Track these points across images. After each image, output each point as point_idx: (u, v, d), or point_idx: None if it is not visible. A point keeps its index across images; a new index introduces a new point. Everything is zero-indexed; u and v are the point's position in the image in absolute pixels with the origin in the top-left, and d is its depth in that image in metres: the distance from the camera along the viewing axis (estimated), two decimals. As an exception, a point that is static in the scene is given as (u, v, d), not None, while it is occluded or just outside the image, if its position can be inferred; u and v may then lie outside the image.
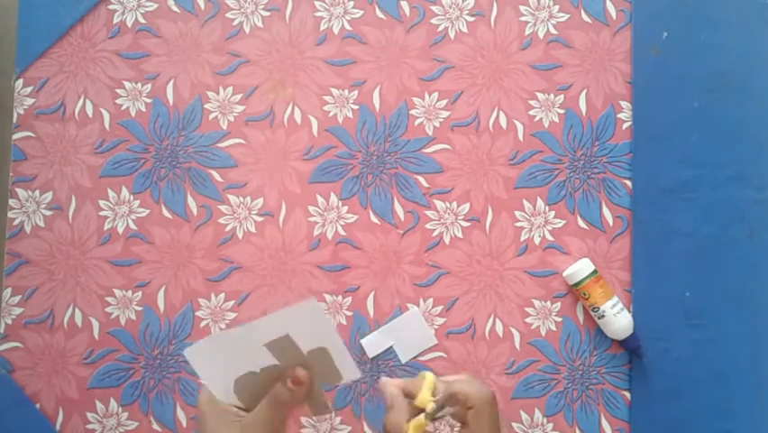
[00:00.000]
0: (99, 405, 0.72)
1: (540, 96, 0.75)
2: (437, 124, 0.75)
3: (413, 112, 0.75)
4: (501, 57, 0.76)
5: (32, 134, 0.75)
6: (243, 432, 0.45)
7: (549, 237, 0.74)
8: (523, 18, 0.76)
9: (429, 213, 0.74)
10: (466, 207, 0.74)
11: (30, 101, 0.75)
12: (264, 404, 0.46)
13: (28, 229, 0.74)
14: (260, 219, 0.74)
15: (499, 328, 0.73)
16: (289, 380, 0.46)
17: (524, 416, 0.72)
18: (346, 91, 0.75)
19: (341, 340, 0.48)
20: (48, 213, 0.74)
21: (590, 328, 0.73)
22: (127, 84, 0.76)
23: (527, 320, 0.73)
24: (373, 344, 0.72)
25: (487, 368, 0.73)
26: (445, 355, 0.73)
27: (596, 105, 0.75)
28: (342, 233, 0.74)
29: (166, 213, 0.74)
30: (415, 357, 0.73)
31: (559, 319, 0.73)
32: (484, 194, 0.74)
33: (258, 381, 0.48)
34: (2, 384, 0.72)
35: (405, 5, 0.76)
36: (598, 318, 0.71)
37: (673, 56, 0.74)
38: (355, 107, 0.75)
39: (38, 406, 0.72)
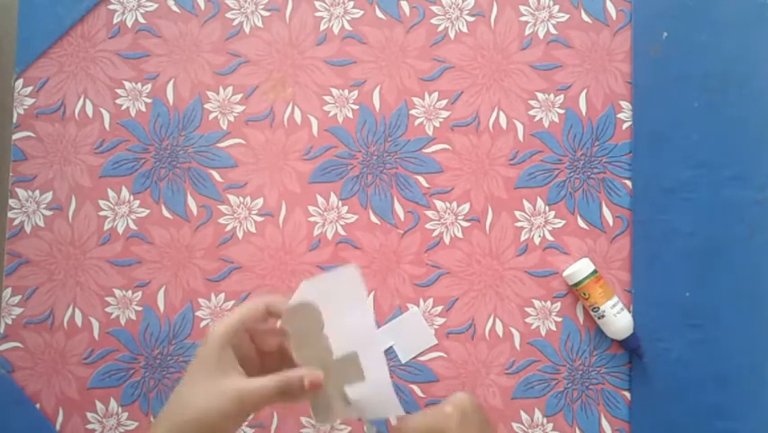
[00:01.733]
0: (99, 405, 0.72)
1: (540, 96, 0.75)
2: (437, 124, 0.75)
3: (413, 112, 0.75)
4: (501, 57, 0.76)
5: (32, 134, 0.75)
6: (242, 396, 0.46)
7: (549, 237, 0.74)
8: (523, 18, 0.76)
9: (429, 213, 0.74)
10: (466, 207, 0.74)
11: (30, 101, 0.75)
12: (272, 388, 0.46)
13: (28, 229, 0.74)
14: (260, 219, 0.74)
15: (499, 328, 0.73)
16: (308, 380, 0.47)
17: (524, 416, 0.72)
18: (346, 91, 0.75)
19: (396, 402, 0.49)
20: (48, 213, 0.74)
21: (590, 328, 0.73)
22: (127, 84, 0.76)
23: (527, 320, 0.73)
24: (373, 344, 0.72)
25: (487, 368, 0.73)
26: (445, 355, 0.73)
27: (596, 106, 0.75)
28: (343, 233, 0.74)
29: (166, 213, 0.74)
30: (415, 357, 0.73)
31: (559, 319, 0.73)
32: (484, 194, 0.74)
33: (320, 347, 0.49)
34: (2, 384, 0.72)
35: (405, 5, 0.76)
36: (598, 318, 0.71)
37: (673, 56, 0.74)
38: (355, 107, 0.75)
39: (38, 406, 0.72)
